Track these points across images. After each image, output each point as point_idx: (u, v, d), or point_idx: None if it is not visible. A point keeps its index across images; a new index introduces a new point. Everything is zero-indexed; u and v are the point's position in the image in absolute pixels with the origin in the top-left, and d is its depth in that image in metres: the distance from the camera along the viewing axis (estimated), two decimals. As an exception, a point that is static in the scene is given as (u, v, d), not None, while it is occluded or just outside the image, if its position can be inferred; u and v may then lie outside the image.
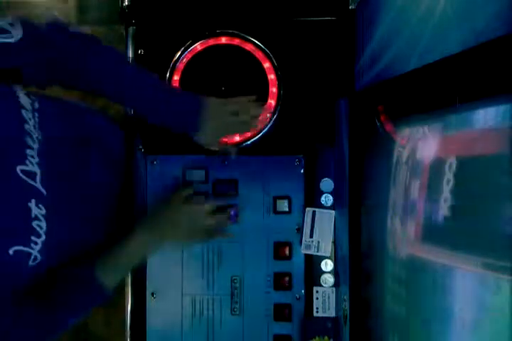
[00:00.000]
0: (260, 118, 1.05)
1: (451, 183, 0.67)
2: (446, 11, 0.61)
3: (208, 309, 1.10)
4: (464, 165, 0.66)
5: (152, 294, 1.10)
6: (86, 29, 1.80)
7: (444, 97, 0.69)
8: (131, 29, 1.13)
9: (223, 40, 1.12)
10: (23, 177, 0.74)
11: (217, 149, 1.05)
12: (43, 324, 0.82)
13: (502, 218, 0.55)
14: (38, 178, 0.76)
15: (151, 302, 1.10)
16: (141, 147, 1.11)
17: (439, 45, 0.63)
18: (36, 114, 0.80)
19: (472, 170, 0.64)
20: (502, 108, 0.56)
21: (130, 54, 1.12)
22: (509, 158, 0.54)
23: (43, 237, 0.75)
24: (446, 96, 0.68)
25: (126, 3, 1.12)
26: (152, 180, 1.11)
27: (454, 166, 0.67)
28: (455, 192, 0.66)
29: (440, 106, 0.71)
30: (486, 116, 0.61)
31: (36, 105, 0.81)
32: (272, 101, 1.11)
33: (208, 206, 1.01)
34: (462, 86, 0.63)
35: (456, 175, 0.67)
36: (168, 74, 1.10)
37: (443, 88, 0.68)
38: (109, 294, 0.88)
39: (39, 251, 0.75)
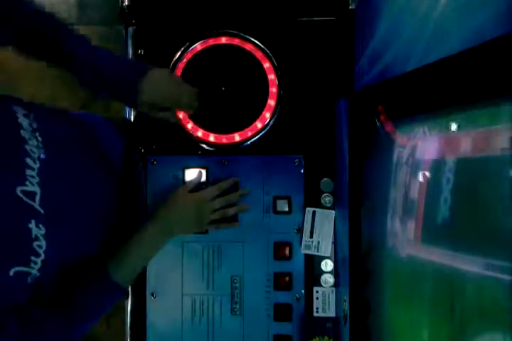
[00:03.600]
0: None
1: (451, 183, 0.67)
2: (446, 10, 0.61)
3: (208, 309, 1.10)
4: (464, 165, 0.66)
5: (152, 294, 1.10)
6: (86, 29, 1.81)
7: (444, 97, 0.69)
8: (131, 29, 1.13)
9: (223, 40, 1.12)
10: (23, 198, 0.73)
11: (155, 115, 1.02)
12: (58, 331, 0.82)
13: (502, 218, 0.55)
14: (37, 198, 0.75)
15: (151, 302, 1.10)
16: (141, 147, 1.11)
17: (439, 45, 0.63)
18: (37, 134, 0.79)
19: (472, 170, 0.64)
20: (502, 108, 0.56)
21: (130, 54, 1.12)
22: (509, 158, 0.54)
23: (43, 256, 0.75)
24: (446, 96, 0.68)
25: (126, 3, 1.12)
26: (152, 180, 1.11)
27: (453, 166, 0.67)
28: (455, 192, 0.66)
29: (440, 106, 0.71)
30: (485, 116, 0.61)
31: (35, 125, 0.80)
32: (271, 101, 1.11)
33: (213, 191, 1.05)
34: (462, 86, 0.63)
35: (456, 175, 0.67)
36: (168, 74, 1.10)
37: (443, 88, 0.68)
38: (124, 291, 0.89)
39: (38, 270, 0.75)
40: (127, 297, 0.92)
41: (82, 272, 0.86)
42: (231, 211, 1.07)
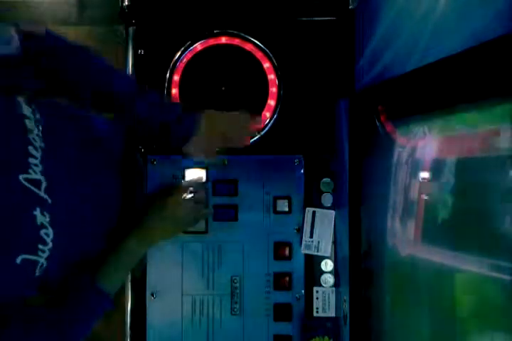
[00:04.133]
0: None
1: (450, 183, 0.68)
2: (445, 10, 0.61)
3: (208, 309, 1.10)
4: (464, 165, 0.66)
5: (152, 294, 1.10)
6: (86, 29, 1.81)
7: (444, 97, 0.69)
8: (131, 29, 1.13)
9: (223, 40, 1.12)
10: (28, 185, 0.74)
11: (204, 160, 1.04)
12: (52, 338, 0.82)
13: (502, 218, 0.55)
14: (42, 186, 0.76)
15: (151, 302, 1.10)
16: (141, 147, 1.11)
17: (439, 45, 0.63)
18: (39, 123, 0.80)
19: (472, 170, 0.64)
20: (502, 108, 0.56)
21: (130, 54, 1.12)
22: (509, 158, 0.54)
23: (50, 245, 0.75)
24: (446, 96, 0.68)
25: (126, 3, 1.12)
26: (152, 180, 1.11)
27: (453, 166, 0.67)
28: (455, 192, 0.67)
29: (440, 106, 0.71)
30: (485, 116, 0.61)
31: (38, 114, 0.80)
32: (271, 101, 1.11)
33: (187, 199, 1.02)
34: (462, 86, 0.63)
35: (455, 175, 0.67)
36: (168, 74, 1.11)
37: (443, 88, 0.68)
38: (111, 298, 0.89)
39: (46, 259, 0.75)
40: (115, 306, 0.92)
41: (70, 280, 0.86)
42: (200, 205, 1.05)
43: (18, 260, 0.71)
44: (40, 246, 0.74)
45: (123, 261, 0.94)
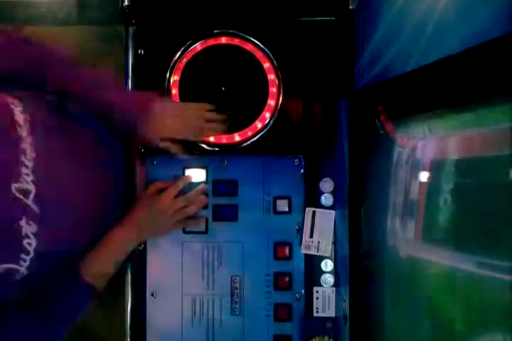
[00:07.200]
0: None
1: (451, 183, 0.68)
2: (446, 11, 0.61)
3: (208, 309, 1.10)
4: (464, 165, 0.66)
5: (152, 294, 1.10)
6: (86, 29, 1.80)
7: (444, 97, 0.69)
8: (131, 29, 1.13)
9: (223, 40, 1.12)
10: (17, 195, 0.74)
11: (160, 146, 1.03)
12: (38, 333, 0.82)
13: (502, 218, 0.55)
14: (31, 196, 0.76)
15: (151, 302, 1.10)
16: (141, 147, 1.11)
17: (439, 45, 0.63)
18: (32, 131, 0.79)
19: (472, 170, 0.64)
20: (502, 108, 0.56)
21: (130, 54, 1.12)
22: (509, 158, 0.54)
23: (32, 254, 0.76)
24: (446, 96, 0.68)
25: (126, 3, 1.12)
26: (152, 180, 1.11)
27: (453, 166, 0.67)
28: (455, 192, 0.67)
29: (440, 106, 0.72)
30: (486, 116, 0.61)
31: (32, 122, 0.80)
32: (271, 101, 1.11)
33: (170, 191, 1.03)
34: (462, 86, 0.63)
35: (456, 175, 0.67)
36: (168, 74, 1.11)
37: (443, 88, 0.68)
38: (98, 292, 0.89)
39: (26, 268, 0.76)
40: (101, 298, 0.92)
41: (56, 276, 0.86)
42: (191, 210, 1.05)
43: (1, 269, 0.72)
44: (23, 256, 0.75)
45: (109, 253, 0.94)
